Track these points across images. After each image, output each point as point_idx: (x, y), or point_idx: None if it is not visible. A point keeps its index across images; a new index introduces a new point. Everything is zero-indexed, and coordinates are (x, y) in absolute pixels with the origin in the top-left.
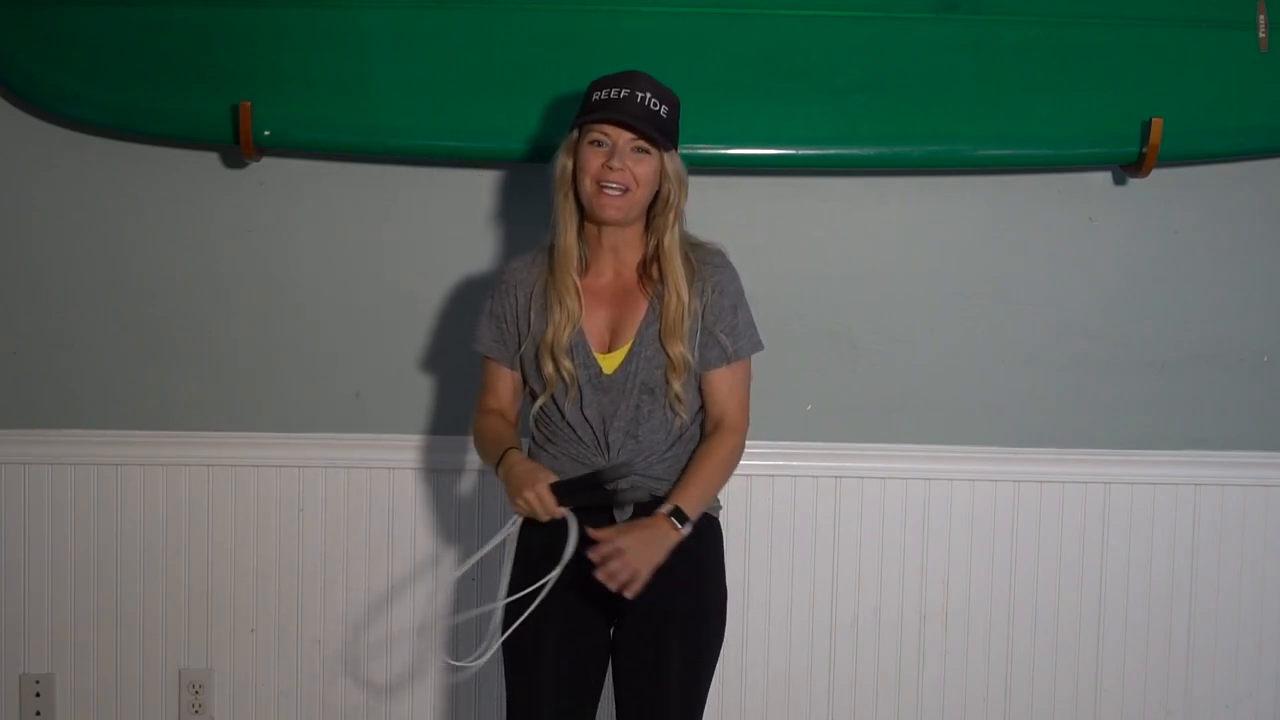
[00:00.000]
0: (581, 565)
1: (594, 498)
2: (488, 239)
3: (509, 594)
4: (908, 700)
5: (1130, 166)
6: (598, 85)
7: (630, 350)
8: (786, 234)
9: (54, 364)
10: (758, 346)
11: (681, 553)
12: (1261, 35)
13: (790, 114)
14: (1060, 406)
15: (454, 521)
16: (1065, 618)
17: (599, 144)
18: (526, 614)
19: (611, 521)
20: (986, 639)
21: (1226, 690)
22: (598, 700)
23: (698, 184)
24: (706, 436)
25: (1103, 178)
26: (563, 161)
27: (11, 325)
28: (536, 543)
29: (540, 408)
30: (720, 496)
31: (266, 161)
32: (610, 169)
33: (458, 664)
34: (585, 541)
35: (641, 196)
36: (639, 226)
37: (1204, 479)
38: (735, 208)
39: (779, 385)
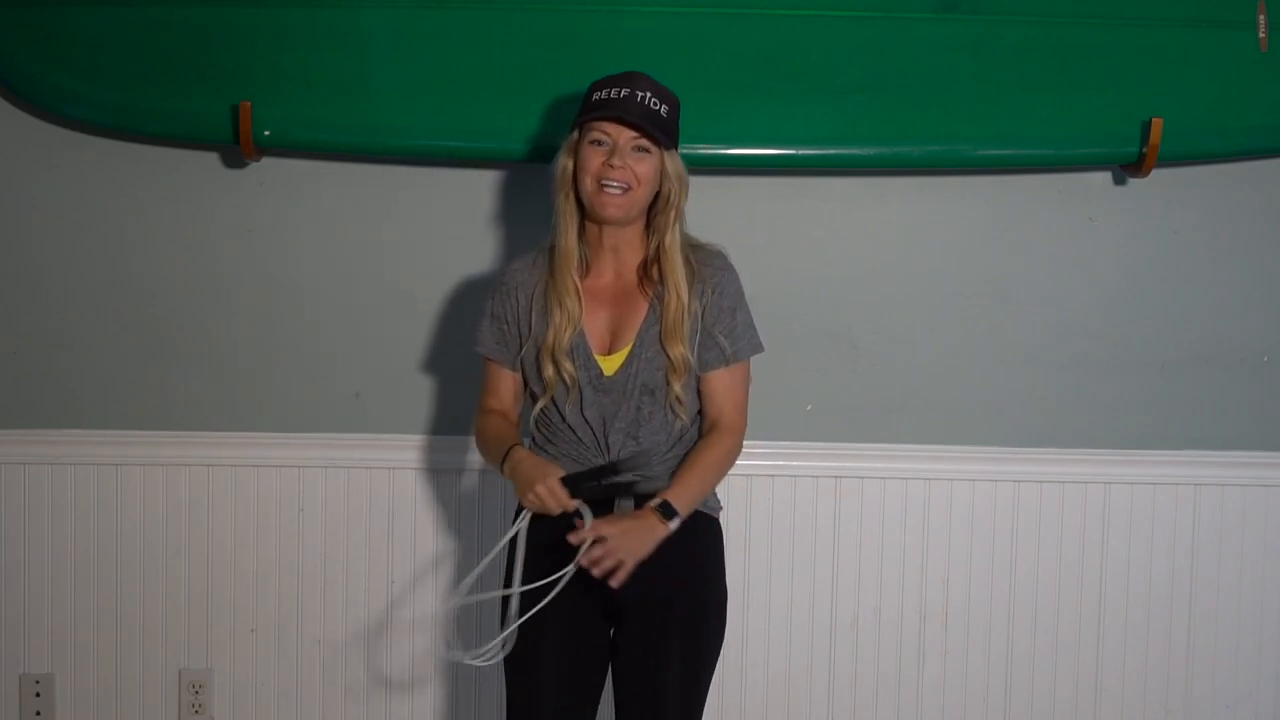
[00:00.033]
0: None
1: (606, 490)
2: (488, 239)
3: (523, 587)
4: (908, 700)
5: (1130, 166)
6: (598, 85)
7: (631, 352)
8: (786, 234)
9: (54, 364)
10: (757, 349)
11: (681, 553)
12: (1261, 35)
13: (790, 114)
14: (1060, 406)
15: (454, 522)
16: (1065, 618)
17: (600, 143)
18: (540, 606)
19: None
20: (986, 639)
21: (1226, 690)
22: (598, 701)
23: (698, 184)
24: (703, 436)
25: (1103, 178)
26: (563, 162)
27: (11, 325)
28: (544, 538)
29: (541, 410)
30: (720, 497)
31: (266, 161)
32: (611, 167)
33: (472, 659)
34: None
35: (642, 195)
36: (639, 226)
37: (1204, 479)
38: (735, 208)
39: (779, 385)
